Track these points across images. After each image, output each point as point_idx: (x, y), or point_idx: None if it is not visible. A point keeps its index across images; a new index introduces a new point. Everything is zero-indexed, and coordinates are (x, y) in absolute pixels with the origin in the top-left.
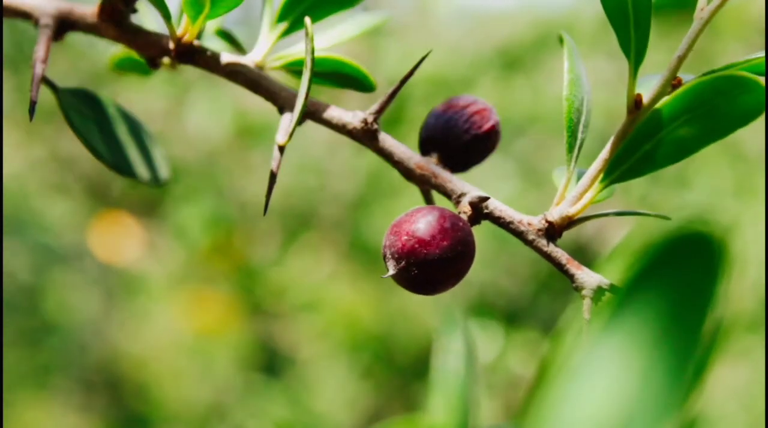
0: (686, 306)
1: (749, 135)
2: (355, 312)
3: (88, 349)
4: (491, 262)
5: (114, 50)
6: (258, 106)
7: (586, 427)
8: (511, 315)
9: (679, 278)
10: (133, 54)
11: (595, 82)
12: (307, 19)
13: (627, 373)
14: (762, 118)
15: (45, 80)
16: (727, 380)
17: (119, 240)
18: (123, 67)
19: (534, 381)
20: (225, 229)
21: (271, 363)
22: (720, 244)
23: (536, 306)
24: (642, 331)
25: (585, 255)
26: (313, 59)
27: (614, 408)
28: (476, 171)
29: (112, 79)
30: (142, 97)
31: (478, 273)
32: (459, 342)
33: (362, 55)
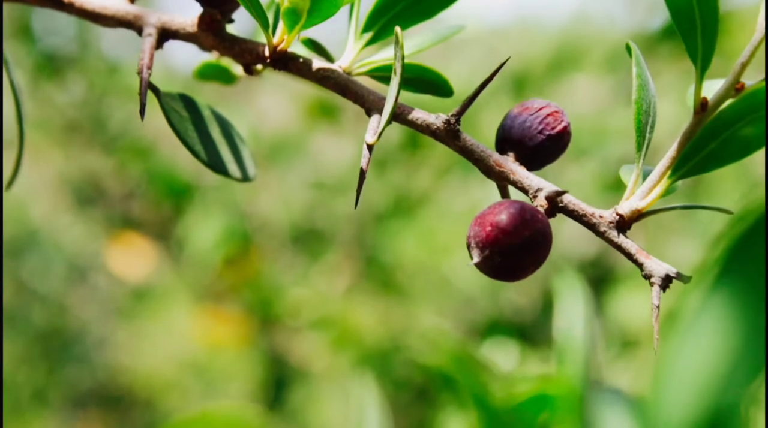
0: None
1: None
2: (366, 330)
3: (99, 364)
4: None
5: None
6: (274, 127)
7: (695, 379)
8: (524, 332)
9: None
10: (218, 62)
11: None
12: (398, 29)
13: (727, 335)
14: None
15: (150, 85)
16: None
17: (135, 256)
18: (206, 75)
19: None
20: (240, 246)
21: (281, 378)
22: None
23: (548, 324)
24: (739, 299)
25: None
26: (403, 65)
27: (718, 364)
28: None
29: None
30: (159, 116)
31: (490, 290)
32: (579, 303)
33: None
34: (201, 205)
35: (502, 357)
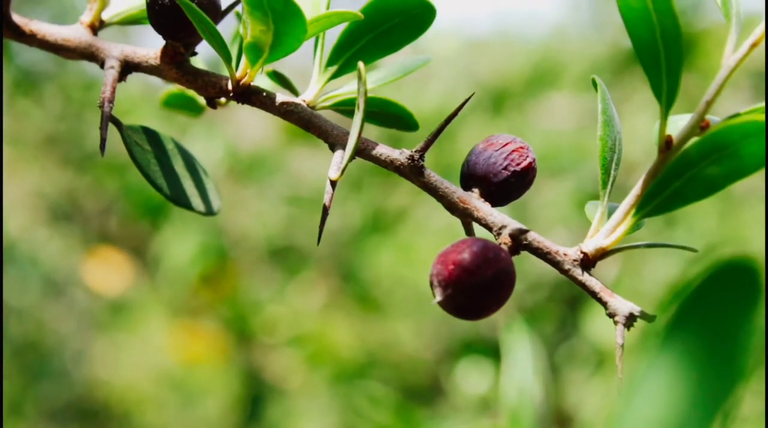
0: (730, 328)
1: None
2: (343, 346)
3: (76, 378)
4: None
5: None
6: (251, 143)
7: None
8: (501, 351)
9: (722, 304)
10: (184, 92)
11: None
12: (361, 64)
13: (678, 391)
14: None
15: (111, 118)
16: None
17: (112, 271)
18: (173, 104)
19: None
20: (217, 262)
21: (257, 394)
22: (757, 274)
23: None
24: (690, 353)
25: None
26: (365, 101)
27: (668, 418)
28: None
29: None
30: None
31: None
32: (525, 350)
33: None
34: (178, 221)
35: (477, 376)
